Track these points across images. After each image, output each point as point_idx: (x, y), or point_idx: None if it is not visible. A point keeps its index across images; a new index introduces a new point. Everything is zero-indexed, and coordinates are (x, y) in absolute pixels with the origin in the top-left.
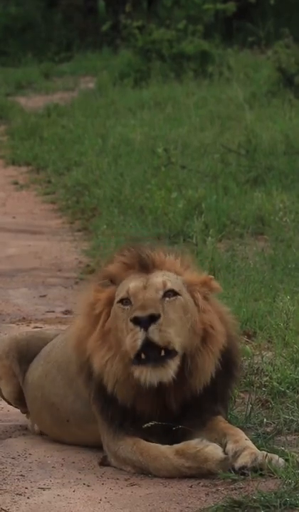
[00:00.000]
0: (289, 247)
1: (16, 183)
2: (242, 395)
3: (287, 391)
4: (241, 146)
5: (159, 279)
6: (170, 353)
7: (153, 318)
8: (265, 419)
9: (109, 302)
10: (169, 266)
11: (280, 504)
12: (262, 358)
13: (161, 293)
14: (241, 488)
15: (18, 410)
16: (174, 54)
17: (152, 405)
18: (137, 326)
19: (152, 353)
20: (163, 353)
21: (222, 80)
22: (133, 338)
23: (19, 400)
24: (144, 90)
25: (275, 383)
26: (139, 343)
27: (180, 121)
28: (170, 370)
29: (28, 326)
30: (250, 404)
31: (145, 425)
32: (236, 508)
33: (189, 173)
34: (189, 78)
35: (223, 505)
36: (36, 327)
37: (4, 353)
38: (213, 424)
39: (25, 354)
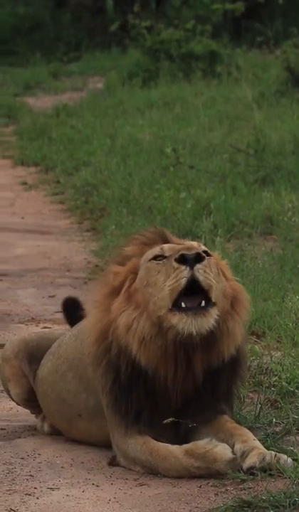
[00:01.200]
0: (298, 247)
1: (24, 184)
2: (251, 394)
3: (297, 391)
4: (250, 146)
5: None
6: (209, 303)
7: (199, 259)
8: (274, 419)
9: (133, 271)
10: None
11: (289, 504)
12: (271, 357)
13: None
14: (250, 488)
15: (28, 411)
16: (182, 54)
17: (176, 369)
18: (183, 265)
19: (192, 302)
20: (203, 304)
21: (231, 80)
22: (177, 278)
23: (28, 401)
24: (152, 90)
25: (284, 383)
26: (184, 282)
27: (189, 121)
28: (211, 318)
29: (36, 326)
30: (259, 404)
31: (165, 421)
32: (245, 508)
33: (197, 173)
34: (198, 78)
35: (232, 505)
36: (45, 327)
37: (13, 354)
38: (219, 424)
39: (35, 354)
